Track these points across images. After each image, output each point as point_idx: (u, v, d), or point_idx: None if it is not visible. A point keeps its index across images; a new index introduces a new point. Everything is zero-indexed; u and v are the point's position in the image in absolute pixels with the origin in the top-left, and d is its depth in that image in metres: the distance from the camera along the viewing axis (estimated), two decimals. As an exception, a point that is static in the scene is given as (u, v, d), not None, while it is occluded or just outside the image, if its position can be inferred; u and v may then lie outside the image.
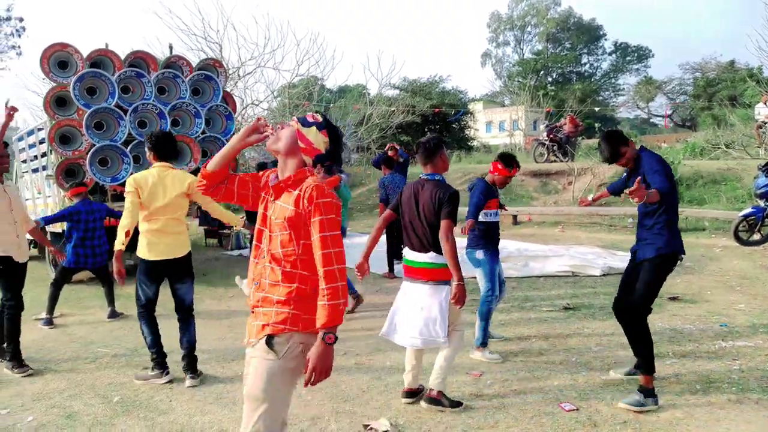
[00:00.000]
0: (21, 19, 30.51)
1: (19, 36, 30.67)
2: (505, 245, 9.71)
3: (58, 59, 7.01)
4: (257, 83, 15.60)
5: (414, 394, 3.77)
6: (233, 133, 8.38)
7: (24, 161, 8.89)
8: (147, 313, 4.33)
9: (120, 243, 4.07)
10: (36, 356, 4.97)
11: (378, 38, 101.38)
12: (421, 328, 3.51)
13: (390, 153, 8.11)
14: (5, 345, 4.65)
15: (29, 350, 5.05)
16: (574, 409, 3.59)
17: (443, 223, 3.51)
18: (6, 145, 4.63)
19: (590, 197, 4.47)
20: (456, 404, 3.63)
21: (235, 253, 10.89)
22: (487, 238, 4.62)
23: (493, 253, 4.66)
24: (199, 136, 7.77)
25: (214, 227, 11.32)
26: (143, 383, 4.27)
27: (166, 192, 4.13)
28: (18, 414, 3.79)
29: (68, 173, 7.05)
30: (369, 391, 3.98)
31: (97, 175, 6.80)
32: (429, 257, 3.60)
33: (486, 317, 4.59)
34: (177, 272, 4.31)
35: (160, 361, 4.32)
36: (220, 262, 10.08)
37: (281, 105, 17.09)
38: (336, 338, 2.07)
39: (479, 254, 4.62)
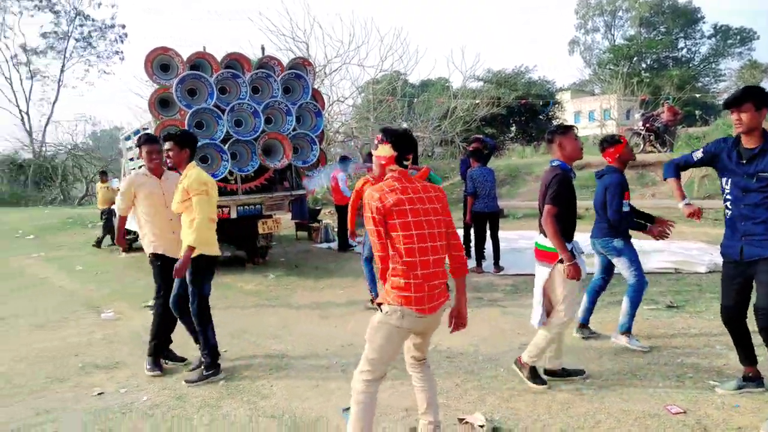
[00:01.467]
0: (123, 26, 32.92)
1: (122, 42, 33.12)
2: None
3: (160, 62, 7.46)
4: (342, 80, 16.00)
5: (550, 374, 3.93)
6: (322, 130, 8.62)
7: (131, 159, 9.54)
8: (208, 309, 4.37)
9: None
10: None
11: (461, 30, 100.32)
12: (534, 307, 3.84)
13: (474, 145, 7.96)
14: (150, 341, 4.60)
15: (142, 336, 5.45)
16: (681, 412, 3.40)
17: (545, 208, 3.67)
18: (153, 140, 4.71)
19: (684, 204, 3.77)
20: (538, 380, 3.78)
21: (325, 245, 11.17)
22: (623, 226, 4.55)
23: (629, 241, 4.58)
24: (290, 133, 8.02)
25: (305, 221, 11.66)
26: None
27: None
28: (134, 393, 4.10)
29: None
30: (463, 385, 3.96)
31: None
32: (539, 238, 3.82)
33: (636, 305, 4.54)
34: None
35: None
36: (311, 254, 10.38)
37: (365, 101, 17.29)
38: None
39: (618, 243, 4.54)
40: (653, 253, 7.99)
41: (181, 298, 4.42)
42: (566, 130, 3.86)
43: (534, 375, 3.80)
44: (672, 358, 4.33)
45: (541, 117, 26.82)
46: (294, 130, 8.04)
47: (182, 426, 3.53)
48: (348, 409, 3.57)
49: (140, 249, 11.44)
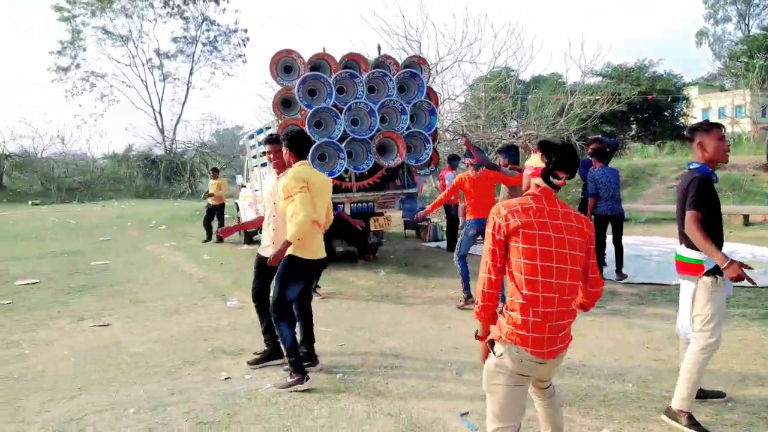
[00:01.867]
0: (245, 30, 34.87)
1: (244, 45, 35.09)
2: (735, 249, 8.52)
3: (284, 64, 7.81)
4: (454, 78, 15.78)
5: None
6: (435, 129, 8.60)
7: (254, 156, 10.07)
8: (287, 309, 4.19)
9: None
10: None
11: (579, 23, 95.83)
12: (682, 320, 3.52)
13: (593, 146, 7.55)
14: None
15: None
16: None
17: (687, 214, 3.22)
18: (270, 140, 4.62)
19: None
20: (700, 429, 3.19)
21: (433, 245, 11.16)
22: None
23: None
24: (404, 132, 8.07)
25: (415, 219, 11.71)
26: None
27: (326, 193, 4.28)
28: (258, 380, 4.29)
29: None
30: (587, 400, 3.75)
31: (317, 169, 7.46)
32: (680, 249, 3.44)
33: None
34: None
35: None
36: (420, 252, 10.40)
37: (475, 99, 17.05)
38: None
39: None
40: None
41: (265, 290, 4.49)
42: (710, 127, 3.39)
43: (693, 423, 3.21)
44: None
45: (665, 114, 25.01)
46: (408, 128, 8.09)
47: (304, 415, 3.64)
48: (466, 413, 3.52)
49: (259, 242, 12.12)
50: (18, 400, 4.02)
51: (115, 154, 34.04)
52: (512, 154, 6.70)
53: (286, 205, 4.11)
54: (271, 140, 4.51)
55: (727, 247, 3.58)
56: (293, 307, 4.38)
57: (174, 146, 33.73)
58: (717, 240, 3.25)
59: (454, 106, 16.35)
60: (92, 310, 6.69)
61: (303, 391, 4.00)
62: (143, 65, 33.55)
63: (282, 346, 4.20)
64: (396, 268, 8.76)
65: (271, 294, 4.24)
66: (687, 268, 3.36)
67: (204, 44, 34.25)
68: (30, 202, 26.13)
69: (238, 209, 12.94)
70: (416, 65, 8.40)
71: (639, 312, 5.88)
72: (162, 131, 33.99)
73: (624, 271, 7.27)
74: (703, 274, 3.25)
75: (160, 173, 32.43)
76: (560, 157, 2.39)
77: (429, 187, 16.93)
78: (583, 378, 4.12)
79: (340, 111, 7.64)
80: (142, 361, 4.79)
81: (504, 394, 2.34)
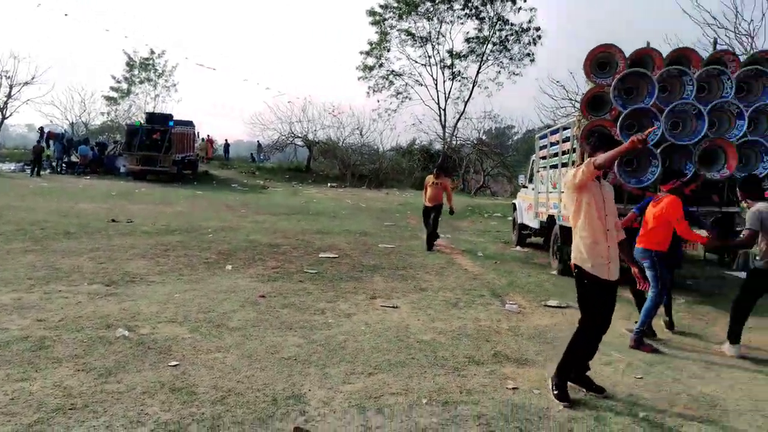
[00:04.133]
0: (538, 29, 34.21)
1: (534, 44, 34.54)
2: None
3: (599, 60, 7.19)
4: None
5: None
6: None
7: (542, 158, 9.67)
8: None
9: None
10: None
11: None
12: None
13: None
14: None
15: (546, 335, 5.36)
16: None
17: None
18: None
19: None
20: None
21: (742, 274, 9.34)
22: None
23: None
24: (737, 139, 6.78)
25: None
26: None
27: None
28: (547, 398, 3.94)
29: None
30: None
31: (622, 176, 6.73)
32: None
33: None
34: None
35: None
36: (725, 282, 8.78)
37: None
38: None
39: None
40: None
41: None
42: None
43: None
44: None
45: None
46: (744, 136, 6.76)
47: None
48: None
49: (533, 245, 11.76)
50: (326, 366, 4.36)
51: (400, 147, 37.03)
52: None
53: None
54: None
55: None
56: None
57: (454, 141, 35.18)
58: None
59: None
60: (382, 289, 7.14)
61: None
62: (437, 65, 35.63)
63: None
64: (696, 297, 7.54)
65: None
66: None
67: (495, 44, 34.74)
68: (329, 184, 30.03)
69: (514, 209, 12.72)
70: (764, 61, 6.96)
71: None
72: (444, 127, 35.71)
73: None
74: None
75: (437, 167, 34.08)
76: None
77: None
78: None
79: (661, 112, 6.74)
80: (429, 350, 4.85)
81: None
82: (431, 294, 7.05)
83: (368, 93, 36.88)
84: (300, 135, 34.94)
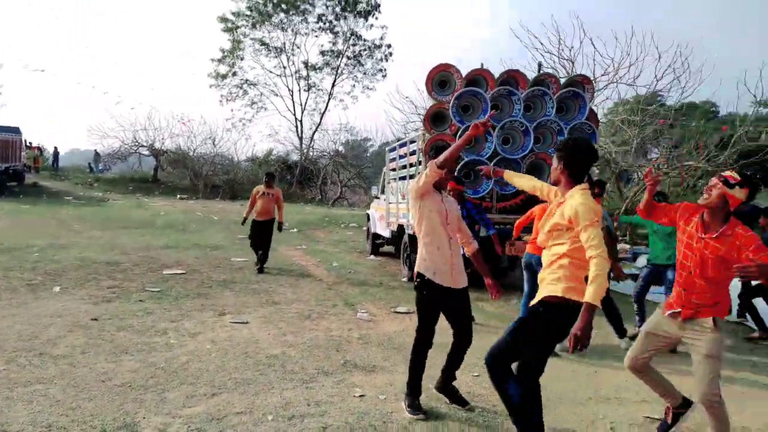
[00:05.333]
0: (389, 46, 35.60)
1: (386, 60, 35.84)
2: None
3: (440, 79, 7.64)
4: (606, 100, 14.57)
5: None
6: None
7: (393, 169, 10.02)
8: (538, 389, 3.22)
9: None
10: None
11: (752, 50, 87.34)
12: None
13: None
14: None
15: (394, 341, 5.52)
16: None
17: None
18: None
19: None
20: None
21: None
22: None
23: None
24: (558, 154, 7.57)
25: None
26: None
27: None
28: (393, 403, 4.02)
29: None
30: None
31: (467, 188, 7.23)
32: None
33: None
34: None
35: None
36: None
37: (609, 123, 15.94)
38: None
39: None
40: None
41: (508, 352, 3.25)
42: None
43: None
44: None
45: None
46: (563, 151, 7.55)
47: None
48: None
49: (386, 254, 12.13)
50: (164, 390, 4.09)
51: (256, 158, 36.22)
52: None
53: (557, 238, 3.12)
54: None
55: None
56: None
57: (311, 153, 35.20)
58: None
59: (601, 129, 15.40)
60: (232, 305, 6.89)
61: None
62: (292, 75, 35.50)
63: (511, 409, 3.24)
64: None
65: (526, 372, 3.19)
66: None
67: (349, 58, 35.48)
68: (178, 196, 28.48)
69: (368, 219, 13.01)
70: (580, 85, 7.86)
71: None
72: (301, 138, 35.65)
73: None
74: None
75: (295, 178, 33.96)
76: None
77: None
78: None
79: (493, 128, 7.31)
80: (278, 365, 4.76)
81: None
82: (284, 307, 6.95)
83: (221, 101, 35.79)
84: (145, 144, 32.76)
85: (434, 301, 3.86)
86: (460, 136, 6.93)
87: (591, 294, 2.79)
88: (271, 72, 35.32)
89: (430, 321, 3.91)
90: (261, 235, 9.43)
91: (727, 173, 3.13)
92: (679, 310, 3.25)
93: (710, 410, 3.09)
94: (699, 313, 3.18)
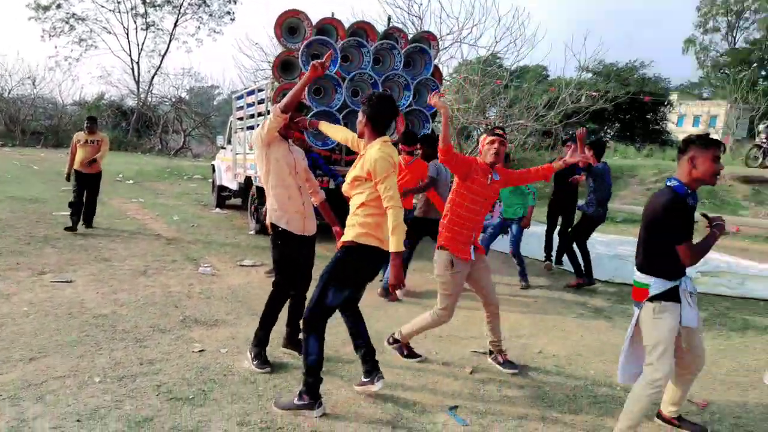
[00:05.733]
0: (238, -14, 33.53)
1: (234, 3, 33.83)
2: (714, 257, 8.59)
3: (289, 25, 7.35)
4: (451, 59, 15.09)
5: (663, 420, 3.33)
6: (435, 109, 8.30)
7: (240, 119, 9.60)
8: (324, 320, 3.37)
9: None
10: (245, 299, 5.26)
11: (585, 14, 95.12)
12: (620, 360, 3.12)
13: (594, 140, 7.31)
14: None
15: (239, 295, 5.42)
16: None
17: (681, 255, 2.83)
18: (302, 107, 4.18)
19: None
20: None
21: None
22: None
23: None
24: (404, 108, 7.75)
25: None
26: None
27: None
28: (234, 356, 3.98)
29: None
30: (576, 400, 3.65)
31: (310, 139, 7.11)
32: (636, 275, 3.03)
33: None
34: None
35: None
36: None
37: (455, 82, 16.79)
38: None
39: None
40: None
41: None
42: (708, 144, 2.89)
43: None
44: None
45: (648, 117, 25.20)
46: (409, 105, 7.76)
47: (284, 396, 3.37)
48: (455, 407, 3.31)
49: (233, 206, 11.72)
50: (-31, 357, 3.64)
51: (85, 102, 32.58)
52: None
53: (358, 188, 3.27)
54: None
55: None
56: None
57: (149, 99, 32.51)
58: (679, 270, 2.92)
59: (446, 85, 16.04)
60: (53, 264, 6.25)
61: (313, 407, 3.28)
62: (127, 12, 32.13)
63: (304, 360, 3.28)
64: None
65: (311, 300, 3.32)
66: (636, 294, 3.01)
67: (193, -4, 32.88)
68: (-9, 142, 24.95)
69: (213, 171, 12.44)
70: (426, 41, 8.04)
71: (621, 312, 5.80)
72: (138, 82, 32.68)
73: (604, 270, 7.28)
74: (647, 300, 2.91)
75: (131, 125, 31.29)
76: None
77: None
78: (569, 378, 3.99)
79: (343, 80, 7.25)
80: (108, 325, 4.44)
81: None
82: (115, 264, 6.45)
83: (43, 37, 31.54)
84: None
85: (290, 250, 3.84)
86: (309, 87, 6.86)
87: (394, 243, 3.09)
88: (103, 6, 31.72)
89: (289, 271, 3.89)
90: (87, 191, 8.29)
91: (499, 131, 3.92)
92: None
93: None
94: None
